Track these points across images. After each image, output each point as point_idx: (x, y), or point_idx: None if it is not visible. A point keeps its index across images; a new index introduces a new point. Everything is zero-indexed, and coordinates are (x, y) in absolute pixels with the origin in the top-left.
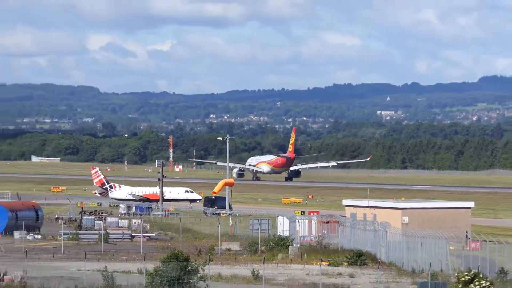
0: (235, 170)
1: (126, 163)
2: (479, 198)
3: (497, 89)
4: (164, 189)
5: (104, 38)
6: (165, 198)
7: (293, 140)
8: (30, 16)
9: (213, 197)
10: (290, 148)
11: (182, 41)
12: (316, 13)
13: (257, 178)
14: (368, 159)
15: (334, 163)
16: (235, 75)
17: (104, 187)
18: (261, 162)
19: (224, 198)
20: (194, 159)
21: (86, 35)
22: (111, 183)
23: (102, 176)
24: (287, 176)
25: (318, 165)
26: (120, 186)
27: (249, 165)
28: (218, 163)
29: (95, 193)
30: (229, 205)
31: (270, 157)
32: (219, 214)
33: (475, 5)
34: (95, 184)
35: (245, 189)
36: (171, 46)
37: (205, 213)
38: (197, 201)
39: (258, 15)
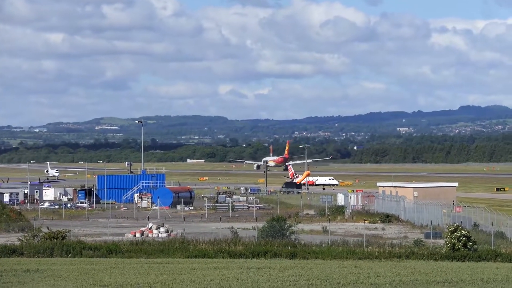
0: (255, 165)
1: (244, 163)
2: (460, 180)
3: (469, 113)
4: (316, 178)
5: (229, 87)
6: (316, 183)
7: (287, 147)
8: (184, 74)
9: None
10: (285, 152)
11: (276, 87)
12: (357, 69)
13: (268, 170)
14: (330, 158)
15: (311, 160)
16: (309, 107)
17: (293, 176)
18: (270, 160)
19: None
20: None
21: (217, 85)
22: (298, 174)
23: (293, 170)
24: (284, 168)
25: (303, 161)
26: (300, 176)
27: (263, 161)
28: (246, 162)
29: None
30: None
31: (275, 157)
32: (300, 192)
33: (453, 62)
34: (290, 175)
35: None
36: (269, 91)
37: (292, 192)
38: (336, 185)
39: (322, 71)
